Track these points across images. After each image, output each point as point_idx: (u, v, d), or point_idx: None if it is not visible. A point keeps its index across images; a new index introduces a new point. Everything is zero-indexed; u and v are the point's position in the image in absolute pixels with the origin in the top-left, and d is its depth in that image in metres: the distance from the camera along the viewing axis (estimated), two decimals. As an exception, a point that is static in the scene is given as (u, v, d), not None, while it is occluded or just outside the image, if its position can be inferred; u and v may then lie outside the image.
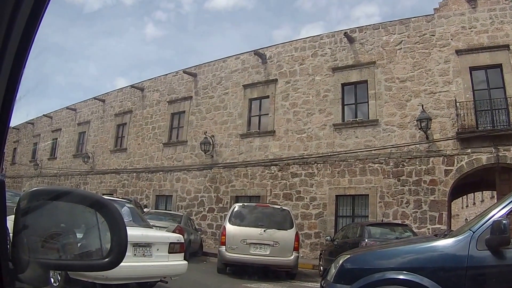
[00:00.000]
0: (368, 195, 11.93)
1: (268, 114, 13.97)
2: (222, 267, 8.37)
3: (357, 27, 13.52)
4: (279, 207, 8.88)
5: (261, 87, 14.36)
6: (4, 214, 0.74)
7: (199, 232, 12.06)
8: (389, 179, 11.76)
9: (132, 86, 18.00)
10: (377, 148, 12.15)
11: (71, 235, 0.95)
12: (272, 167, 13.21)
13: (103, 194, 12.77)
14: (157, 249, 4.74)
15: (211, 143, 14.48)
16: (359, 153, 12.22)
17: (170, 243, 4.99)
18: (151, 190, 16.07)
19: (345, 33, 13.23)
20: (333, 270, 3.47)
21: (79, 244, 0.97)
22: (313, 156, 12.82)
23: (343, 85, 13.14)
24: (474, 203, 28.69)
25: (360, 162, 12.16)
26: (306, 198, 12.50)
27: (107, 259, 0.88)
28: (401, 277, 2.97)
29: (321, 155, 12.65)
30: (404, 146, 11.86)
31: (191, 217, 12.88)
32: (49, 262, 0.86)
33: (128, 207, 6.22)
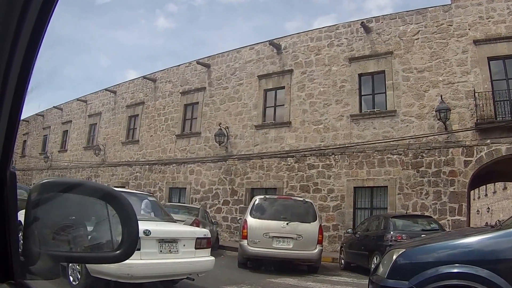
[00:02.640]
0: (387, 186, 11.91)
1: (283, 105, 13.90)
2: (244, 261, 8.29)
3: (374, 17, 13.36)
4: (301, 199, 8.85)
5: (276, 77, 14.26)
6: (15, 206, 0.75)
7: (216, 225, 12.11)
8: (408, 170, 11.72)
9: (144, 77, 17.94)
10: (396, 139, 12.09)
11: (82, 227, 0.95)
12: (288, 158, 13.19)
13: (116, 187, 12.83)
14: (184, 245, 4.63)
15: (226, 134, 14.47)
16: (377, 144, 12.17)
17: (197, 238, 4.87)
18: (164, 182, 16.13)
19: (362, 22, 13.08)
20: (385, 265, 3.46)
21: (89, 237, 0.97)
22: (330, 147, 12.78)
23: (360, 75, 13.04)
24: (486, 194, 28.65)
25: (379, 153, 12.11)
26: (324, 190, 12.50)
27: (118, 251, 0.88)
28: (464, 270, 2.96)
29: (338, 146, 12.61)
30: (423, 137, 11.79)
31: (206, 210, 12.93)
32: (60, 254, 0.86)
33: (150, 200, 6.17)
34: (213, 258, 5.11)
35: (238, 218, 12.25)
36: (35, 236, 0.79)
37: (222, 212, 14.15)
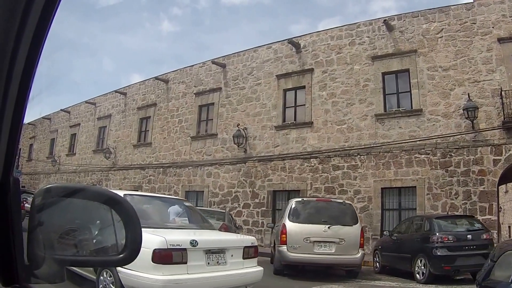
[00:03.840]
0: (415, 187, 11.67)
1: (304, 105, 13.63)
2: (281, 268, 7.91)
3: (396, 15, 13.18)
4: (341, 201, 8.54)
5: (296, 77, 14.00)
6: (19, 211, 0.75)
7: (240, 230, 11.77)
8: (436, 170, 11.49)
9: (156, 78, 17.57)
10: (422, 138, 11.87)
11: (86, 231, 0.96)
12: (311, 159, 12.91)
13: (133, 192, 12.40)
14: (232, 255, 4.29)
15: (244, 135, 14.15)
16: (403, 144, 11.94)
17: (245, 247, 4.54)
18: (180, 186, 15.76)
19: (385, 20, 12.88)
20: (503, 269, 3.18)
21: (94, 240, 0.97)
22: (355, 147, 12.52)
23: (383, 74, 12.81)
24: (507, 191, 28.41)
25: (406, 153, 11.88)
26: (350, 191, 12.22)
27: (121, 255, 0.90)
28: None
29: (364, 146, 12.35)
30: (450, 136, 11.59)
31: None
32: (65, 258, 0.87)
33: (186, 205, 5.86)
34: (261, 268, 4.76)
35: (267, 223, 11.91)
36: (40, 240, 0.79)
37: (243, 216, 13.82)
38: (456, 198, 11.14)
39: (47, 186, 0.84)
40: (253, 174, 13.85)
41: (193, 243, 3.82)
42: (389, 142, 12.14)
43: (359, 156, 12.36)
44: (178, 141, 16.34)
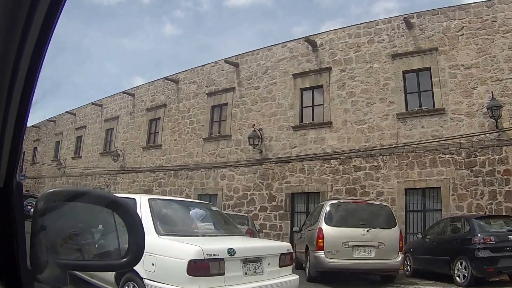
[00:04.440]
0: (440, 187, 11.38)
1: (322, 104, 13.33)
2: (317, 275, 7.53)
3: (415, 13, 12.95)
4: (378, 203, 8.24)
5: (313, 76, 13.71)
6: (22, 216, 0.75)
7: (261, 234, 11.43)
8: (461, 170, 11.22)
9: (166, 78, 17.19)
10: (446, 138, 11.61)
11: (89, 235, 0.96)
12: (332, 160, 12.59)
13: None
14: (268, 263, 4.02)
15: (260, 136, 13.81)
16: (427, 143, 11.68)
17: (281, 254, 4.26)
18: (192, 188, 15.36)
19: (405, 18, 12.65)
20: None
21: (97, 245, 0.98)
22: (376, 148, 12.23)
23: (404, 72, 12.57)
24: None
25: (430, 153, 11.60)
26: (372, 193, 11.91)
27: (125, 259, 0.89)
28: None
29: (386, 146, 12.07)
30: (474, 135, 11.36)
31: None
32: (68, 262, 0.87)
33: (214, 210, 5.53)
34: (297, 276, 4.50)
35: (293, 228, 11.53)
36: (43, 245, 0.79)
37: (260, 219, 13.44)
38: (481, 198, 10.87)
39: (50, 191, 0.83)
40: (270, 176, 13.50)
41: (231, 252, 3.54)
42: (411, 142, 11.87)
43: (381, 157, 12.07)
44: (189, 142, 15.95)
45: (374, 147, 12.28)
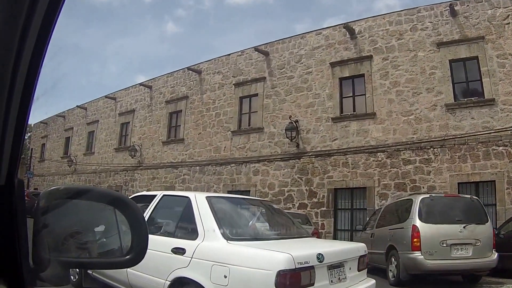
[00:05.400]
0: (494, 181, 10.89)
1: (364, 94, 12.65)
2: (407, 278, 6.84)
3: (458, 0, 12.35)
4: (468, 196, 7.62)
5: (353, 64, 13.00)
6: (24, 214, 0.75)
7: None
8: (516, 162, 10.77)
9: (188, 69, 16.19)
10: (497, 130, 11.10)
11: (91, 233, 0.96)
12: (378, 153, 11.96)
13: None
14: (349, 268, 3.62)
15: (297, 128, 13.08)
16: (479, 135, 11.16)
17: (360, 257, 3.84)
18: (221, 185, 14.55)
19: (450, 4, 12.02)
20: None
21: (99, 242, 0.98)
22: (426, 140, 11.65)
23: (450, 61, 11.98)
24: None
25: (483, 145, 11.08)
26: (423, 187, 11.34)
27: (127, 257, 0.90)
28: None
29: (436, 139, 11.49)
30: (527, 126, 10.89)
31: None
32: (70, 260, 0.87)
33: (274, 208, 4.98)
34: (374, 281, 4.07)
35: (356, 225, 10.89)
36: (45, 243, 0.79)
37: (299, 216, 12.75)
38: (538, 191, 10.46)
39: (52, 188, 0.83)
40: (310, 170, 12.80)
41: (320, 257, 3.12)
42: (462, 134, 11.33)
43: (432, 149, 11.49)
44: (216, 136, 15.09)
45: (422, 139, 11.70)
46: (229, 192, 14.18)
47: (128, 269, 3.44)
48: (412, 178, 11.53)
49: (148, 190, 14.71)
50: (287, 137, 13.06)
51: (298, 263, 2.88)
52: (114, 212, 0.90)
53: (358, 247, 4.06)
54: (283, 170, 13.28)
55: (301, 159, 13.03)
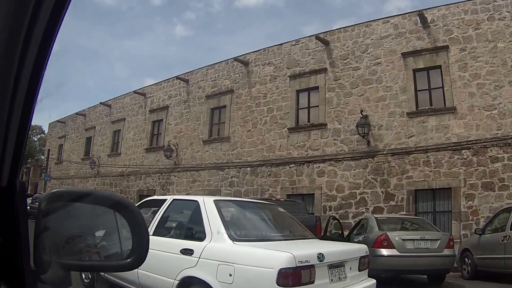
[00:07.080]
0: None
1: (441, 87, 11.91)
2: None
3: (534, -11, 11.85)
4: None
5: (427, 55, 12.22)
6: (26, 216, 0.75)
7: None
8: None
9: (235, 59, 14.82)
10: None
11: (92, 236, 0.96)
12: (463, 151, 11.25)
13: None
14: (350, 268, 3.86)
15: (368, 124, 12.15)
16: None
17: (361, 257, 4.08)
18: (278, 188, 13.40)
19: (530, -10, 11.50)
20: None
21: (100, 245, 0.98)
22: (510, 136, 11.06)
23: (533, 52, 11.46)
24: None
25: None
26: (514, 186, 10.75)
27: (128, 260, 0.90)
28: None
29: (526, 134, 10.92)
30: None
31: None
32: (71, 263, 0.88)
33: (280, 211, 4.97)
34: (374, 280, 4.23)
35: (476, 227, 10.04)
36: (46, 245, 0.79)
37: (375, 220, 11.83)
38: None
39: (53, 191, 0.84)
40: (386, 170, 11.92)
41: (320, 257, 3.37)
42: (550, 128, 10.84)
43: (522, 145, 10.91)
44: (269, 134, 13.90)
45: (507, 135, 11.10)
46: (288, 196, 13.05)
47: (139, 269, 3.52)
48: (501, 176, 10.89)
49: (187, 194, 13.31)
50: (359, 134, 12.12)
51: (299, 261, 3.12)
52: (115, 215, 0.90)
53: (359, 248, 4.28)
54: (354, 170, 12.33)
55: (375, 158, 12.13)
